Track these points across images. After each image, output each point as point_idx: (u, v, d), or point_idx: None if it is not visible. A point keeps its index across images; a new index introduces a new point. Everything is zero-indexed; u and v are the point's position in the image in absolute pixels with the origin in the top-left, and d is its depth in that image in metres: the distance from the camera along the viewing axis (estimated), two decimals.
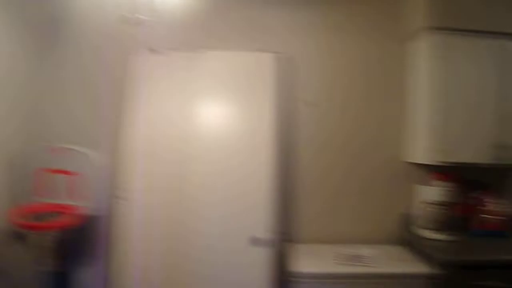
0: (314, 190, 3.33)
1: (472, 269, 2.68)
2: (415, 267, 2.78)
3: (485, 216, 3.20)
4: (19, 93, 3.11)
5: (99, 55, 3.28)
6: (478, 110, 3.04)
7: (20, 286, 2.99)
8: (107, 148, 3.17)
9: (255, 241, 2.94)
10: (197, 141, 3.09)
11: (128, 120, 3.13)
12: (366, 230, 3.29)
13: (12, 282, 2.94)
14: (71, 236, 3.00)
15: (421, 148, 3.13)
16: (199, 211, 3.03)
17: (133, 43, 3.21)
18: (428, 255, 2.83)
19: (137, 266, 3.01)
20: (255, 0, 3.34)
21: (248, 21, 3.34)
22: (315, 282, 2.72)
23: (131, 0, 3.16)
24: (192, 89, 3.15)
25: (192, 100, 3.15)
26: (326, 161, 3.34)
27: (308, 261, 2.87)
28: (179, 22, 3.24)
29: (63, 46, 3.34)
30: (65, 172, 2.97)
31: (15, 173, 3.03)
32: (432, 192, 3.15)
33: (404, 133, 3.34)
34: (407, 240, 3.18)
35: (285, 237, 3.23)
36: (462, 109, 3.03)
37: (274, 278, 2.96)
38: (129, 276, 3.00)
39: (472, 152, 3.03)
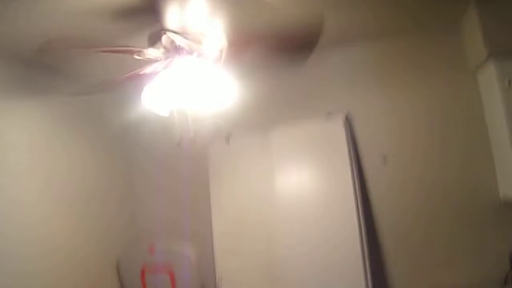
0: (401, 246, 3.14)
1: None
2: None
3: None
4: (118, 203, 3.43)
5: (178, 158, 3.55)
6: None
7: None
8: (200, 237, 3.34)
9: None
10: (281, 212, 3.14)
11: (214, 206, 3.28)
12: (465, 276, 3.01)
13: None
14: None
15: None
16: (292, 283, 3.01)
17: (208, 135, 3.42)
18: None
19: None
20: (309, 69, 3.30)
21: (308, 88, 3.38)
22: None
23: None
24: (270, 165, 3.25)
25: (271, 175, 3.23)
26: (410, 215, 3.13)
27: None
28: (246, 108, 3.40)
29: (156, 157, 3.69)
30: (165, 269, 3.13)
31: (120, 274, 3.27)
32: None
33: (490, 170, 3.02)
34: None
35: None
36: None
37: None
38: None
39: None
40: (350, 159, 3.08)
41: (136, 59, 2.03)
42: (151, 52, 2.02)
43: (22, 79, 2.80)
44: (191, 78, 1.99)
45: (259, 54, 2.35)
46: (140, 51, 1.99)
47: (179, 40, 1.92)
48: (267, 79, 3.41)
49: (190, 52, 2.02)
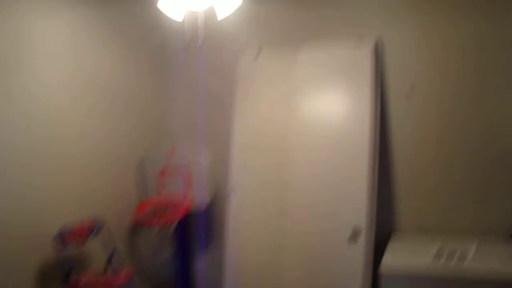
0: (417, 179, 3.17)
1: None
2: None
3: None
4: (145, 106, 3.62)
5: (210, 61, 3.63)
6: None
7: (146, 272, 3.44)
8: (219, 146, 3.50)
9: (353, 230, 2.95)
10: (299, 133, 3.21)
11: (237, 117, 3.41)
12: (474, 220, 3.04)
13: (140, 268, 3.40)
14: (187, 225, 3.37)
15: None
16: (300, 200, 3.14)
17: (240, 46, 3.49)
18: None
19: (247, 251, 3.29)
20: None
21: (342, 8, 3.28)
22: (409, 279, 2.64)
23: None
24: (294, 83, 3.27)
25: (294, 94, 3.26)
26: (429, 150, 3.13)
27: (404, 256, 2.80)
28: (278, 21, 3.42)
29: (178, 60, 3.77)
30: (182, 170, 3.33)
31: (143, 172, 3.51)
32: None
33: None
34: None
35: (384, 228, 3.16)
36: None
37: (370, 270, 2.92)
38: (240, 261, 3.28)
39: None
40: (374, 88, 3.04)
41: None
42: None
43: None
44: None
45: None
46: None
47: None
48: None
49: None
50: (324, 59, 3.24)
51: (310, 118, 3.23)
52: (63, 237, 2.67)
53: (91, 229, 2.87)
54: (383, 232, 3.12)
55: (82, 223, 2.86)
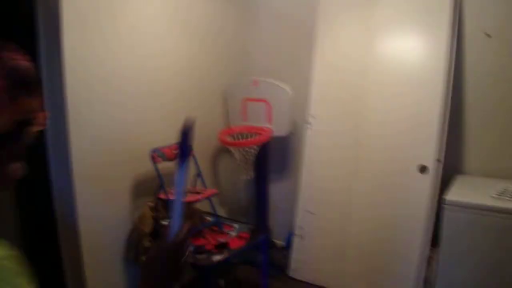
0: (486, 123, 3.23)
1: None
2: None
3: None
4: (229, 39, 3.82)
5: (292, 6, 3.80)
6: None
7: (228, 191, 3.79)
8: (299, 81, 3.66)
9: (421, 168, 3.10)
10: (375, 73, 3.32)
11: (317, 56, 3.54)
12: None
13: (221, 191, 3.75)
14: (267, 153, 3.65)
15: None
16: (372, 139, 3.32)
17: None
18: None
19: (318, 180, 3.53)
20: None
21: None
22: (470, 213, 2.75)
23: None
24: (372, 22, 3.35)
25: (372, 36, 3.35)
26: (499, 94, 3.16)
27: (468, 192, 2.92)
28: None
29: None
30: (264, 101, 3.56)
31: (226, 101, 3.78)
32: None
33: None
34: None
35: (452, 167, 3.26)
36: None
37: (433, 203, 3.08)
38: (311, 188, 3.53)
39: None
40: (451, 30, 3.07)
41: None
42: None
43: None
44: None
45: None
46: None
47: None
48: None
49: None
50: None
51: (388, 56, 3.33)
52: (157, 154, 2.99)
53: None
54: (449, 174, 3.21)
55: (172, 145, 3.18)
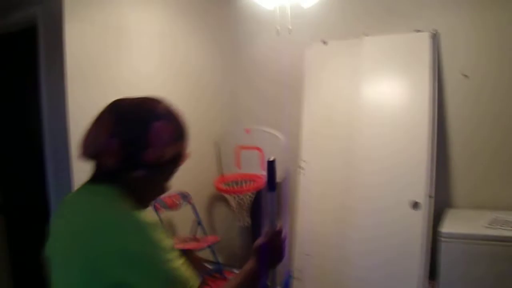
0: (472, 159, 3.36)
1: None
2: None
3: None
4: (219, 87, 3.96)
5: (277, 51, 3.95)
6: None
7: (225, 238, 3.81)
8: (289, 127, 3.75)
9: (413, 205, 3.20)
10: (363, 115, 3.47)
11: (306, 103, 3.70)
12: None
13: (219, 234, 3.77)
14: (261, 198, 3.71)
15: None
16: (364, 179, 3.42)
17: (305, 37, 3.76)
18: None
19: (313, 223, 3.58)
20: None
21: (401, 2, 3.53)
22: (466, 243, 2.84)
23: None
24: (356, 72, 3.53)
25: (357, 82, 3.51)
26: (484, 132, 3.31)
27: (461, 223, 3.02)
28: (339, 13, 3.69)
29: (256, 48, 4.12)
30: (257, 148, 3.67)
31: (219, 149, 3.88)
32: None
33: None
34: None
35: (441, 202, 3.35)
36: None
37: (428, 237, 3.16)
38: (307, 231, 3.58)
39: None
40: (432, 74, 3.26)
41: None
42: None
43: None
44: None
45: None
46: None
47: None
48: None
49: None
50: (386, 47, 3.49)
51: (374, 102, 3.49)
52: (159, 204, 3.03)
53: (181, 198, 3.25)
54: (439, 208, 3.30)
55: (172, 195, 3.24)
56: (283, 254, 1.46)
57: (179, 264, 1.20)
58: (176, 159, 1.32)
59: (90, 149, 1.27)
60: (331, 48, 3.71)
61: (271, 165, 1.48)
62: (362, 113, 3.49)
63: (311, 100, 3.70)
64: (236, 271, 3.26)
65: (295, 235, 3.65)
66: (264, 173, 3.50)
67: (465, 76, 3.35)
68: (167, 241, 1.20)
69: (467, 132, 3.38)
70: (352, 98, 3.55)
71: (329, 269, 3.53)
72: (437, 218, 3.21)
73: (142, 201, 1.32)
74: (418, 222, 3.20)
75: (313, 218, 3.60)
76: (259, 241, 1.43)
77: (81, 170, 1.33)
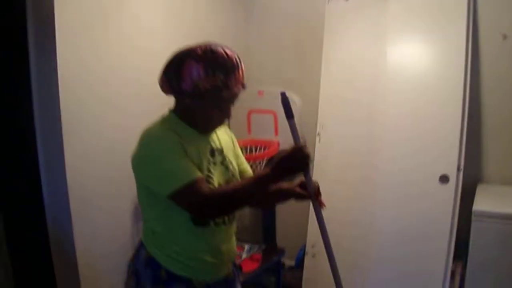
0: (505, 129, 3.10)
1: None
2: None
3: None
4: (231, 43, 3.54)
5: (295, 5, 3.64)
6: None
7: None
8: (306, 91, 3.50)
9: (441, 178, 2.94)
10: (387, 83, 3.16)
11: (324, 64, 3.38)
12: None
13: None
14: None
15: None
16: (388, 150, 3.14)
17: None
18: None
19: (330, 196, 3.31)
20: None
21: None
22: (498, 222, 2.62)
23: None
24: (381, 32, 3.20)
25: (381, 44, 3.20)
26: None
27: (494, 201, 2.79)
28: None
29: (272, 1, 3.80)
30: (270, 112, 3.37)
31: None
32: None
33: None
34: None
35: (471, 177, 3.11)
36: None
37: (457, 215, 2.93)
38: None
39: None
40: (467, 35, 2.95)
41: None
42: None
43: None
44: None
45: None
46: None
47: None
48: None
49: None
50: (415, 5, 3.15)
51: (400, 66, 3.18)
52: None
53: None
54: (469, 183, 3.06)
55: None
56: (307, 163, 1.64)
57: (182, 162, 1.57)
58: (216, 91, 1.60)
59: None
60: (353, 5, 3.36)
61: (284, 96, 1.70)
62: (387, 77, 3.19)
63: (330, 62, 3.38)
64: (246, 245, 3.01)
65: (309, 209, 3.39)
66: (276, 138, 3.28)
67: (505, 36, 3.02)
68: (175, 147, 1.58)
69: (502, 100, 3.11)
70: (376, 61, 3.24)
71: (346, 247, 3.26)
72: (467, 194, 2.97)
73: (199, 125, 1.70)
74: (446, 197, 2.96)
75: (330, 191, 3.31)
76: (283, 152, 1.63)
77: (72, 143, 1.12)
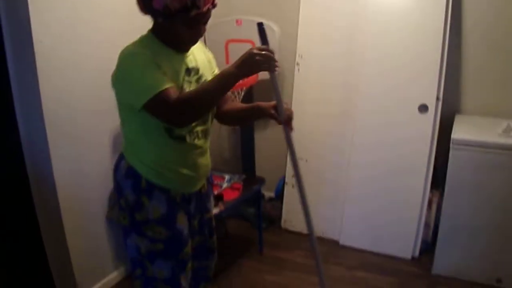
0: (485, 62, 3.09)
1: None
2: None
3: None
4: None
5: None
6: None
7: (212, 141, 3.54)
8: (285, 18, 3.41)
9: (420, 108, 2.96)
10: (367, 13, 3.10)
11: None
12: None
13: None
14: (252, 96, 3.39)
15: None
16: (368, 81, 3.14)
17: None
18: None
19: (310, 127, 3.33)
20: None
21: None
22: (476, 150, 2.67)
23: None
24: None
25: None
26: (500, 31, 3.00)
27: (472, 130, 2.82)
28: None
29: None
30: (248, 41, 3.27)
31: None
32: None
33: None
34: None
35: (450, 107, 3.13)
36: None
37: (436, 144, 2.99)
38: (302, 135, 3.28)
39: None
40: None
41: None
42: None
43: None
44: None
45: None
46: None
47: None
48: None
49: None
50: None
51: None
52: None
53: None
54: (448, 113, 3.09)
55: None
56: (272, 64, 1.64)
57: (152, 74, 1.61)
58: (186, 10, 1.58)
59: None
60: None
61: (261, 27, 1.70)
62: (368, 10, 3.12)
63: None
64: (226, 175, 3.01)
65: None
66: None
67: None
68: (146, 62, 1.62)
69: (482, 33, 3.08)
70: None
71: (327, 177, 3.33)
72: (445, 124, 3.00)
73: (173, 44, 1.72)
74: (425, 126, 3.00)
75: (310, 121, 3.32)
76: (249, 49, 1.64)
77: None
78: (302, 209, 2.01)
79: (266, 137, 3.77)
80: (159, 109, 1.61)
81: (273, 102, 1.87)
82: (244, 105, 2.06)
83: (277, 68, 1.68)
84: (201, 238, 2.06)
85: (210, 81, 1.71)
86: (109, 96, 1.76)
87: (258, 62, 1.60)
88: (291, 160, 1.94)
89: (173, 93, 1.61)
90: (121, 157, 1.87)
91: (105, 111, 2.50)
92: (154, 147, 1.77)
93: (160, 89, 1.58)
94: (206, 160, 1.92)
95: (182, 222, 1.87)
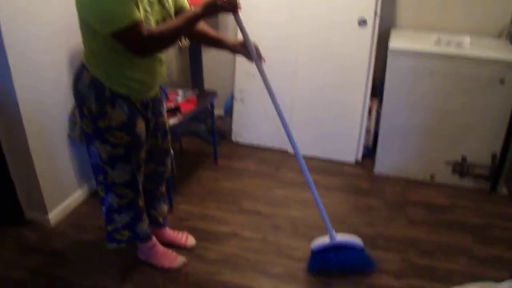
0: None
1: None
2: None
3: None
4: None
5: None
6: None
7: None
8: None
9: (360, 23, 3.15)
10: None
11: None
12: (474, 21, 3.25)
13: None
14: None
15: None
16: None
17: None
18: None
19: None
20: None
21: None
22: (411, 59, 2.92)
23: None
24: None
25: None
26: None
27: (408, 41, 3.05)
28: None
29: None
30: None
31: None
32: None
33: None
34: None
35: (386, 22, 3.36)
36: None
37: (375, 54, 3.22)
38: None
39: None
40: None
41: None
42: None
43: None
44: None
45: None
46: None
47: None
48: None
49: None
50: None
51: None
52: None
53: None
54: (385, 28, 3.32)
55: None
56: (234, 6, 1.85)
57: (122, 2, 1.64)
58: None
59: None
60: None
61: None
62: None
63: None
64: (179, 90, 3.12)
65: (234, 59, 3.54)
66: None
67: None
68: None
69: None
70: None
71: (276, 91, 3.45)
72: (383, 38, 3.23)
73: None
74: (365, 39, 3.19)
75: (257, 34, 3.40)
76: None
77: None
78: (285, 134, 2.29)
79: (213, 57, 3.87)
80: (128, 41, 1.73)
81: (240, 40, 2.07)
82: (212, 33, 2.16)
83: (239, 9, 1.88)
84: (156, 141, 2.25)
85: (177, 20, 1.83)
86: (64, 18, 1.83)
87: (222, 5, 1.81)
88: (267, 91, 2.22)
89: (144, 28, 1.72)
90: (82, 68, 1.92)
91: (61, 32, 2.56)
92: (120, 59, 1.85)
93: (131, 22, 1.67)
94: (163, 69, 2.08)
95: (140, 128, 2.03)
